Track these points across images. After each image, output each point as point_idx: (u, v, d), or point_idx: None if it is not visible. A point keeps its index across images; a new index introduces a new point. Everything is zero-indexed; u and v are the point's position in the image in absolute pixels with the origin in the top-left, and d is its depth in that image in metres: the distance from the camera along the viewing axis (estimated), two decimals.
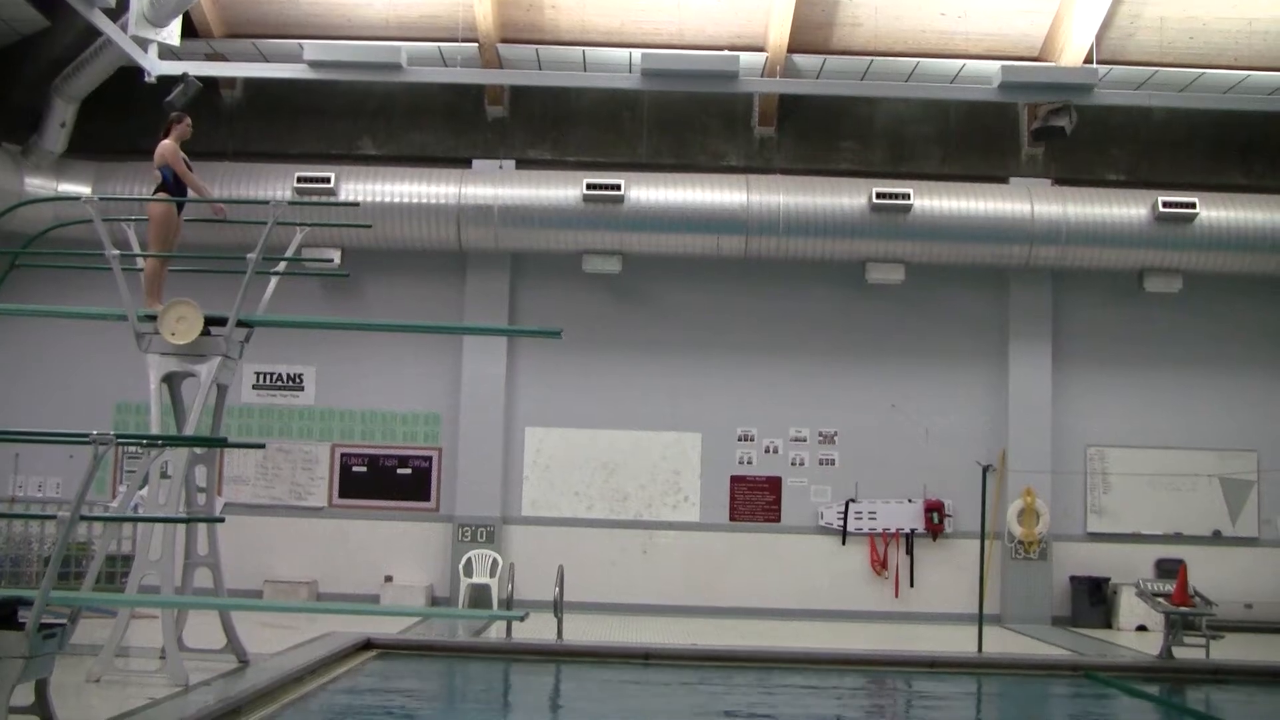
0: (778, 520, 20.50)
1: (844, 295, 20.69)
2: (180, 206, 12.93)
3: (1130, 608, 19.47)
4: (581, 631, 16.25)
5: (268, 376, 20.51)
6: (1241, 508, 20.60)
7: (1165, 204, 19.44)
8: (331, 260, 19.17)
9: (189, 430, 12.35)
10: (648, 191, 19.49)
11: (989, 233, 19.63)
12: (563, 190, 19.45)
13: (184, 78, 17.52)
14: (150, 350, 12.34)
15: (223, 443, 12.74)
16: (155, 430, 12.21)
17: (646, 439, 20.55)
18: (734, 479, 20.58)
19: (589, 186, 19.25)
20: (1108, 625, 19.88)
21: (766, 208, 19.44)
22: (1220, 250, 19.68)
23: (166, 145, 12.82)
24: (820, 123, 20.87)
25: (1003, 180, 20.42)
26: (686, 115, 20.77)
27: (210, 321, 12.33)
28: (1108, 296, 20.82)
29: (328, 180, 19.25)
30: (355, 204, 18.46)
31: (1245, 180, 20.72)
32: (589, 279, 20.30)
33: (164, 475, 12.39)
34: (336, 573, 19.95)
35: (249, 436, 20.05)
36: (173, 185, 12.88)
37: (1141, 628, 19.32)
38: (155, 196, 12.89)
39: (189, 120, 13.24)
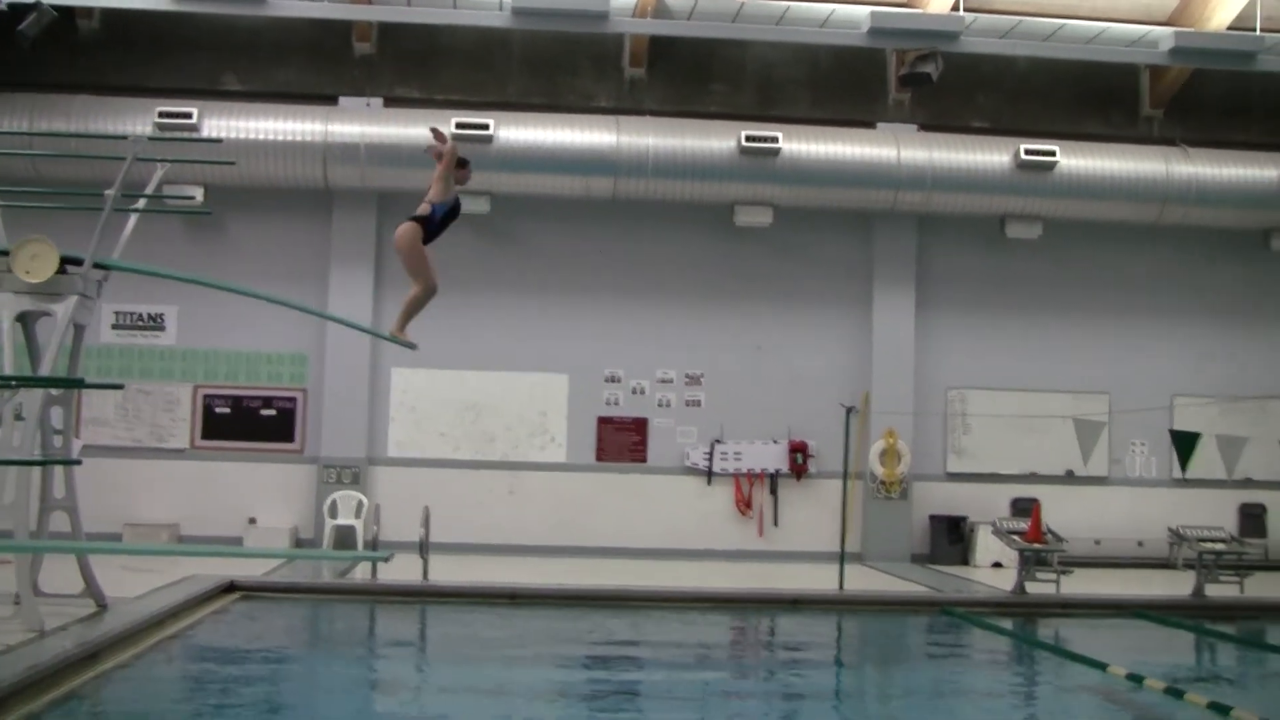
0: (644, 461, 20.65)
1: (712, 238, 20.80)
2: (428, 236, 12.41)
3: (986, 545, 19.98)
4: (447, 572, 16.25)
5: (128, 316, 20.10)
6: (1093, 448, 21.20)
7: (1027, 151, 19.82)
8: (194, 198, 18.68)
9: (45, 371, 12.09)
10: (517, 131, 19.40)
11: (856, 177, 19.88)
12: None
13: (37, 6, 17.05)
14: (3, 289, 12.04)
15: (80, 384, 12.52)
16: (8, 371, 11.91)
17: (513, 380, 20.52)
18: (600, 420, 20.67)
19: (458, 126, 19.04)
20: (965, 562, 20.36)
21: (636, 149, 19.46)
22: (1078, 198, 20.17)
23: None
24: (690, 65, 20.90)
25: (870, 125, 20.65)
26: (557, 55, 20.66)
27: (67, 260, 12.06)
28: (970, 242, 21.20)
29: (190, 116, 18.83)
30: (218, 140, 18.07)
31: (1104, 130, 21.19)
32: (457, 219, 20.10)
33: (18, 417, 12.11)
34: (199, 515, 19.65)
35: (108, 377, 19.54)
36: (436, 222, 12.51)
37: (997, 564, 19.81)
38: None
39: (470, 168, 12.76)
